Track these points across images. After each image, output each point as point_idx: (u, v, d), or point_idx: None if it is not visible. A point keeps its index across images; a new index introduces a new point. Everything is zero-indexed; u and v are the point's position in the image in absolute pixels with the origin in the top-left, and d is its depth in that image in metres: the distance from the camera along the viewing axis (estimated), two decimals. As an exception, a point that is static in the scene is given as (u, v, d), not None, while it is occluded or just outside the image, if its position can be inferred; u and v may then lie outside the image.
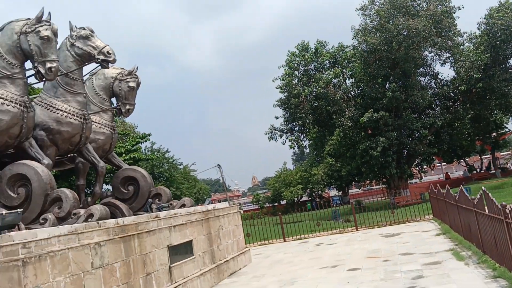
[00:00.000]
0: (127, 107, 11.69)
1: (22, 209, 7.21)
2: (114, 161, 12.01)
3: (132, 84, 11.66)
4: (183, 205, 11.46)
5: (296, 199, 48.04)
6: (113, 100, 11.96)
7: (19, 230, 6.48)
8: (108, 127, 11.50)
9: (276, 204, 50.83)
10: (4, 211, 7.31)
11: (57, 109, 9.76)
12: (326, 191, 56.43)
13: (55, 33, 8.76)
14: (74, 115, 9.82)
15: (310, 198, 49.47)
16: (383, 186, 43.06)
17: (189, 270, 9.89)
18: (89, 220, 7.70)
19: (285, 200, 48.94)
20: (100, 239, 7.21)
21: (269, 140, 38.03)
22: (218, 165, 47.81)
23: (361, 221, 20.69)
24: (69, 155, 10.93)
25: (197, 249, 10.61)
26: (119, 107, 11.70)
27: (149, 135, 27.87)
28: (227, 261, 12.28)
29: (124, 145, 25.72)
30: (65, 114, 9.77)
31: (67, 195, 7.94)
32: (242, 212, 15.37)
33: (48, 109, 9.78)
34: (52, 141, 9.71)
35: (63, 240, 6.43)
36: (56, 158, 10.08)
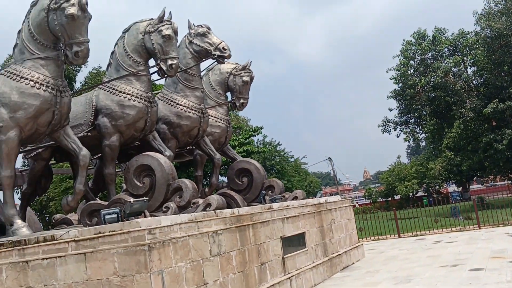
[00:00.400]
0: (241, 101, 11.99)
1: (147, 198, 7.68)
2: (229, 153, 12.40)
3: (246, 78, 11.94)
4: (295, 198, 11.53)
5: (411, 194, 46.19)
6: (228, 94, 12.33)
7: (145, 217, 6.92)
8: (224, 121, 11.90)
9: (390, 199, 49.29)
10: (131, 199, 7.89)
11: (177, 104, 10.29)
12: (444, 186, 53.57)
13: (175, 32, 9.21)
14: (192, 109, 10.29)
15: (426, 194, 47.29)
16: (509, 182, 39.84)
17: (301, 262, 9.95)
18: (207, 209, 7.99)
19: (399, 195, 47.27)
20: (218, 228, 7.49)
21: (382, 133, 36.96)
22: (329, 158, 47.43)
23: (484, 219, 19.34)
24: (188, 148, 11.45)
25: (310, 241, 10.63)
26: (234, 101, 12.04)
27: (261, 128, 28.53)
28: (339, 254, 12.16)
29: (237, 138, 26.52)
30: (185, 108, 10.26)
31: (187, 185, 8.29)
32: (357, 205, 15.04)
33: (169, 104, 10.34)
34: (173, 134, 10.26)
35: (184, 227, 6.78)
36: (176, 150, 10.61)
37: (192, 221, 7.03)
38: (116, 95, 9.15)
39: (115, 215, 6.62)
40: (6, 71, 8.08)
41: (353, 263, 12.98)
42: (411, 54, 33.98)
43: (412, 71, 33.95)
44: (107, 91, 9.27)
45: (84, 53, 7.71)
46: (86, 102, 9.39)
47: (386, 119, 36.35)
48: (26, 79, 7.84)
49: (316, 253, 10.86)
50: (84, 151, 8.21)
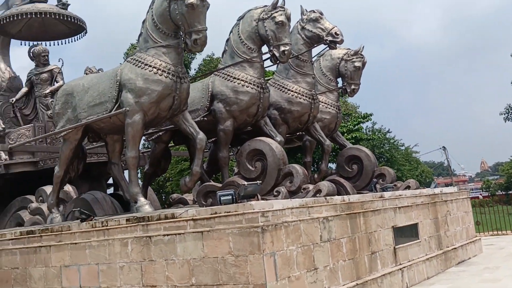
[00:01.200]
0: (352, 87, 11.81)
1: (260, 181, 7.87)
2: (338, 140, 12.28)
3: (358, 64, 11.71)
4: (408, 187, 11.15)
5: (535, 188, 42.49)
6: (339, 80, 12.18)
7: (257, 200, 7.11)
8: (334, 107, 11.79)
9: (511, 192, 45.78)
10: (244, 182, 8.14)
11: (289, 90, 10.38)
12: None
13: (288, 18, 9.26)
14: (303, 95, 10.33)
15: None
16: None
17: (414, 253, 9.63)
18: (317, 195, 8.01)
19: (521, 188, 43.73)
20: (328, 214, 7.49)
21: (505, 121, 34.23)
22: (443, 147, 44.89)
23: None
24: (297, 133, 11.52)
25: (423, 233, 10.25)
26: (345, 87, 11.89)
27: (370, 115, 27.84)
28: (455, 248, 11.58)
29: (346, 125, 26.16)
30: (296, 94, 10.32)
31: (298, 171, 8.36)
32: (481, 196, 14.12)
33: (280, 90, 10.46)
34: (283, 119, 10.38)
35: (296, 212, 6.87)
36: (286, 135, 10.72)
37: (303, 206, 7.09)
38: (231, 81, 9.44)
39: (230, 197, 6.87)
40: (132, 58, 8.68)
41: (470, 258, 12.29)
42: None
43: (541, 53, 30.99)
44: (222, 78, 9.59)
45: (202, 41, 8.01)
46: (203, 88, 9.78)
47: (510, 106, 33.64)
48: (150, 66, 8.36)
49: (429, 245, 10.44)
50: (201, 135, 8.57)
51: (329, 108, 11.69)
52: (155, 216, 7.16)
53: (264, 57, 9.70)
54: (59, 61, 14.12)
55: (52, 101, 13.00)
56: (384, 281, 8.22)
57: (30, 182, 12.15)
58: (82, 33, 14.70)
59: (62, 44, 15.01)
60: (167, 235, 6.92)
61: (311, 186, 8.32)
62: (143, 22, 8.72)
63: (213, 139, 10.51)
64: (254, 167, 8.60)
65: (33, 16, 13.42)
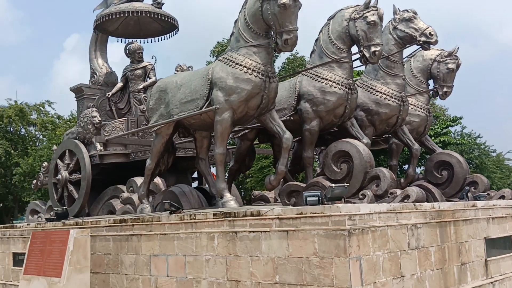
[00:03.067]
0: (445, 89, 11.36)
1: (348, 184, 7.78)
2: (427, 144, 11.86)
3: (451, 65, 11.25)
4: (503, 197, 10.54)
5: None
6: (430, 82, 11.76)
7: (344, 202, 7.03)
8: (424, 110, 11.41)
9: None
10: (329, 183, 8.09)
11: (377, 91, 10.17)
12: None
13: (381, 18, 9.06)
14: (392, 97, 10.07)
15: None
16: None
17: (507, 267, 9.12)
18: (405, 201, 7.79)
19: None
20: (417, 221, 7.27)
21: None
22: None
23: None
24: (384, 136, 11.26)
25: (517, 246, 9.66)
26: (436, 89, 11.47)
27: (460, 118, 26.62)
28: (551, 265, 10.80)
29: (433, 128, 25.20)
30: (384, 96, 10.09)
31: (385, 174, 8.17)
32: None
33: (368, 91, 10.27)
34: (370, 121, 10.19)
35: (383, 217, 6.73)
36: (372, 138, 10.50)
37: (391, 212, 6.94)
38: (318, 82, 9.40)
39: (316, 198, 6.85)
40: (223, 57, 8.90)
41: None
42: None
43: None
44: (310, 77, 9.57)
45: (293, 41, 8.08)
46: (290, 88, 9.82)
47: None
48: (240, 65, 8.53)
49: (524, 259, 9.83)
50: (288, 135, 8.63)
51: (419, 111, 11.32)
52: (241, 212, 7.31)
53: (354, 57, 9.57)
54: (152, 58, 14.78)
55: (145, 96, 13.66)
56: (474, 294, 7.87)
57: (121, 173, 12.82)
58: (174, 31, 15.25)
59: (155, 41, 15.68)
60: (253, 231, 7.04)
61: (398, 191, 8.09)
62: (235, 21, 8.90)
63: (297, 138, 10.53)
64: (340, 169, 8.49)
65: (130, 14, 14.12)
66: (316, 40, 9.81)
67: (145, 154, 12.69)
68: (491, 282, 8.41)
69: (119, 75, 14.94)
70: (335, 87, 9.27)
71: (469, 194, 10.17)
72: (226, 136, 8.82)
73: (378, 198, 8.12)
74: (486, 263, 8.57)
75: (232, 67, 8.57)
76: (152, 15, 14.07)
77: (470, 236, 8.31)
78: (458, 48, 11.47)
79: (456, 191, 10.64)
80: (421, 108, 11.39)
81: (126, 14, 14.12)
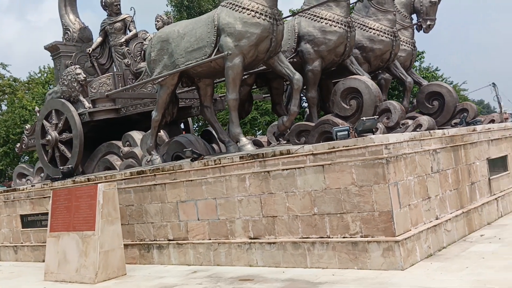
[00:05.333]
0: (428, 22, 11.71)
1: (378, 116, 8.09)
2: (413, 77, 12.29)
3: (434, -2, 11.57)
4: (492, 121, 11.24)
5: None
6: (413, 17, 12.09)
7: (373, 134, 7.36)
8: (409, 44, 11.79)
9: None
10: (339, 120, 8.41)
11: (370, 28, 10.40)
12: None
13: None
14: (385, 33, 10.34)
15: None
16: None
17: (504, 184, 9.91)
18: (418, 130, 8.22)
19: None
20: (436, 146, 7.75)
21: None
22: (493, 83, 43.82)
23: None
24: (376, 72, 11.60)
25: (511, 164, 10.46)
26: (420, 23, 11.81)
27: (422, 53, 27.35)
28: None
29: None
30: (377, 32, 10.35)
31: (395, 107, 8.52)
32: None
33: (361, 29, 10.48)
34: (365, 58, 10.48)
35: (411, 144, 7.15)
36: (367, 74, 10.81)
37: (413, 140, 7.34)
38: (318, 22, 9.51)
39: (346, 132, 7.16)
40: (227, 2, 8.81)
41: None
42: None
43: None
44: (309, 18, 9.66)
45: None
46: (288, 30, 9.87)
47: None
48: (247, 9, 8.52)
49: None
50: (298, 76, 8.81)
51: (405, 46, 11.66)
52: (270, 152, 7.55)
53: (350, -4, 9.70)
54: (131, 9, 14.30)
55: (128, 49, 13.36)
56: (483, 210, 8.57)
57: (112, 128, 12.69)
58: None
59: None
60: (286, 169, 7.32)
61: (410, 121, 8.53)
62: None
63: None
64: (349, 105, 8.72)
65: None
66: (312, -21, 9.82)
67: (136, 108, 12.58)
68: (495, 199, 9.16)
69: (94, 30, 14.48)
70: (335, 26, 9.43)
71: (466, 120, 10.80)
72: (238, 81, 8.88)
73: (390, 129, 8.48)
74: (489, 181, 9.28)
75: (239, 12, 8.54)
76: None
77: (476, 158, 8.94)
78: (439, -19, 11.77)
79: (447, 119, 11.20)
80: (406, 43, 11.73)
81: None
